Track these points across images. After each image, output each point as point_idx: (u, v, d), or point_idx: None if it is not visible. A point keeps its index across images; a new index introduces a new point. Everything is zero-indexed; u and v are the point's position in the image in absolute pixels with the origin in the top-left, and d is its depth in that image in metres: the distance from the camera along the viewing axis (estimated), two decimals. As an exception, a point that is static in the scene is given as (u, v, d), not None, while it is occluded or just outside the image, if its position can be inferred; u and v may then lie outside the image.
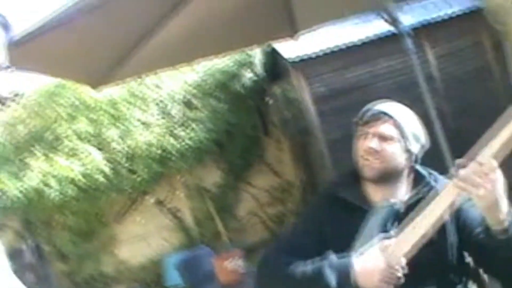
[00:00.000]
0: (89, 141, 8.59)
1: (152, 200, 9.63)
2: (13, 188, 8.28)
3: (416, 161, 2.32)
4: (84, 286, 9.33)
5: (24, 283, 8.82)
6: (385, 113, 2.23)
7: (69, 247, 9.29)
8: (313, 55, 7.68)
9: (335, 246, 2.20)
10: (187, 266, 4.96)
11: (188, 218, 9.80)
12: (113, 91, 8.26)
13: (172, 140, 8.74)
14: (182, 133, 8.79)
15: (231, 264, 4.04)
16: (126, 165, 8.69)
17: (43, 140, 8.57)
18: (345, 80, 7.67)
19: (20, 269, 8.92)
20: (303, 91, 7.79)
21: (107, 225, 9.42)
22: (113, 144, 8.58)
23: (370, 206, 2.26)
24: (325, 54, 7.67)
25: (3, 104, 9.02)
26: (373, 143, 2.21)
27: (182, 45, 4.75)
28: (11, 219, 9.07)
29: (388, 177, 2.24)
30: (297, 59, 7.66)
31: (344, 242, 2.20)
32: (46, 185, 8.24)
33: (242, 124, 9.20)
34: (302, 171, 9.46)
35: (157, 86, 8.87)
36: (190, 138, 8.76)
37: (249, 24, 4.79)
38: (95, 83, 4.85)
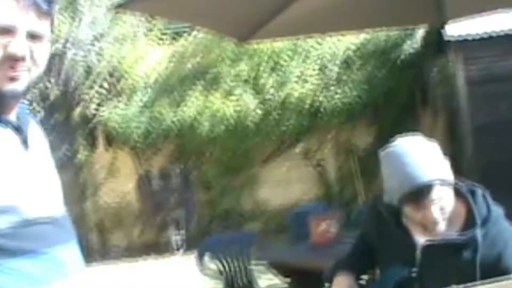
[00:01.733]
0: (246, 84, 9.04)
1: (299, 150, 10.02)
2: (170, 117, 8.94)
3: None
4: (222, 217, 9.94)
5: (171, 204, 9.63)
6: (430, 183, 2.20)
7: (214, 178, 9.93)
8: (474, 37, 7.59)
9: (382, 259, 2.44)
10: (297, 218, 5.26)
11: (331, 173, 10.11)
12: (276, 42, 8.58)
13: (324, 97, 8.99)
14: (335, 92, 9.01)
15: (324, 227, 4.26)
16: (277, 113, 9.07)
17: (204, 77, 9.13)
18: (502, 67, 7.53)
19: (165, 191, 9.72)
20: (458, 72, 7.76)
21: (252, 165, 9.94)
22: (268, 92, 8.99)
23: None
24: (486, 38, 7.56)
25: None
26: (435, 213, 2.22)
27: (325, 16, 4.96)
28: (165, 144, 9.80)
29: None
30: (457, 39, 7.61)
31: (388, 256, 2.40)
32: (200, 119, 8.83)
33: (398, 92, 9.27)
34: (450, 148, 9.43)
35: (319, 43, 9.11)
36: (342, 98, 8.98)
37: (395, 6, 4.89)
38: (240, 37, 5.22)
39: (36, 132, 1.70)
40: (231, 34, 5.37)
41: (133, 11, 6.24)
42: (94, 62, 9.53)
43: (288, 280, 4.60)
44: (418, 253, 2.32)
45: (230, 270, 5.24)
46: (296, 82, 9.01)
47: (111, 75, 9.63)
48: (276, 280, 5.14)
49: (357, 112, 9.23)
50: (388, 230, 2.42)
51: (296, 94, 8.93)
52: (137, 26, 9.45)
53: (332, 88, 9.05)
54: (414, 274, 2.32)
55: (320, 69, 9.12)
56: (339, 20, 5.22)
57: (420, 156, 2.25)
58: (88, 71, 9.58)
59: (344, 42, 9.10)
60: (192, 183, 9.99)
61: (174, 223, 9.69)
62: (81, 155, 10.09)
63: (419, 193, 2.19)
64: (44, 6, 1.59)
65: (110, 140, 10.07)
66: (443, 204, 2.22)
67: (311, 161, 10.03)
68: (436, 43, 8.69)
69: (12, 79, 1.53)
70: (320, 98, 8.95)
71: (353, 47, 9.13)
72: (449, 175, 2.25)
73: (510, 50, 7.51)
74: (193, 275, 7.23)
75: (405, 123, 9.61)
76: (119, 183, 10.17)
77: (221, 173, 9.86)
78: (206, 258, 5.38)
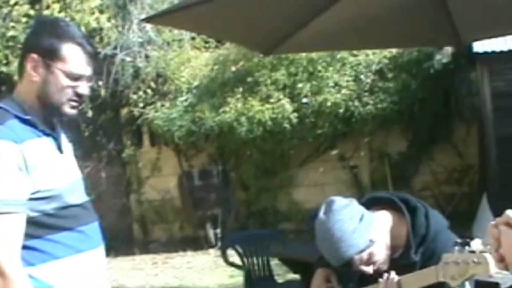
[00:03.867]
0: (283, 90, 9.49)
1: (334, 154, 10.42)
2: (210, 119, 9.45)
3: None
4: (258, 216, 10.39)
5: (210, 201, 10.09)
6: (348, 260, 2.48)
7: (252, 179, 10.41)
8: (501, 51, 7.86)
9: None
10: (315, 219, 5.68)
11: (365, 177, 10.46)
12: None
13: (358, 104, 9.37)
14: (369, 99, 9.38)
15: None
16: (312, 118, 9.48)
17: (244, 82, 9.61)
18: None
19: (205, 189, 10.19)
20: (484, 84, 8.04)
21: (288, 167, 10.36)
22: (304, 97, 9.43)
23: None
24: (512, 53, 7.81)
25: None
26: (369, 270, 2.52)
27: (342, 34, 5.35)
28: (206, 145, 10.31)
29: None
30: (483, 52, 7.89)
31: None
32: (238, 122, 9.30)
33: (431, 101, 9.55)
34: (481, 158, 9.69)
35: (355, 55, 9.50)
36: (375, 105, 9.32)
37: (408, 27, 5.24)
38: (265, 51, 5.66)
39: (65, 141, 2.38)
40: (255, 48, 5.81)
41: (161, 25, 6.70)
42: (142, 66, 10.11)
43: (297, 276, 5.02)
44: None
45: (250, 263, 5.71)
46: (331, 89, 9.39)
47: (157, 78, 10.20)
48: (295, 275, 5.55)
49: (391, 119, 9.55)
50: None
51: (331, 100, 9.31)
52: (184, 32, 9.95)
53: (364, 96, 9.41)
54: None
55: (355, 78, 9.50)
56: (360, 38, 5.61)
57: (339, 233, 2.49)
58: (136, 74, 10.17)
59: (379, 53, 9.46)
60: (230, 183, 10.46)
61: (212, 220, 10.16)
62: (127, 152, 10.69)
63: (347, 266, 2.52)
64: (95, 60, 2.37)
65: (155, 139, 10.64)
66: (375, 258, 2.53)
67: (346, 165, 10.40)
68: (466, 56, 8.99)
69: (73, 107, 2.31)
70: (353, 106, 9.31)
71: (387, 58, 9.48)
72: (369, 235, 2.51)
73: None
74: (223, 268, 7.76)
75: (439, 132, 9.95)
76: (162, 179, 10.74)
77: (258, 174, 10.31)
78: (230, 251, 5.87)
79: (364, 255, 2.50)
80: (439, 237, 2.61)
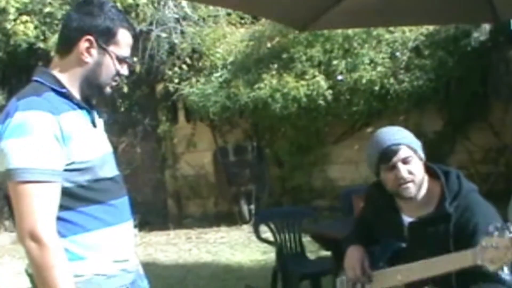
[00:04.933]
0: (318, 67, 9.44)
1: (369, 131, 10.35)
2: (245, 95, 9.45)
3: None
4: (292, 193, 10.39)
5: (244, 177, 10.13)
6: (394, 143, 2.71)
7: (286, 155, 10.40)
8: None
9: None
10: (346, 197, 5.67)
11: (400, 156, 10.37)
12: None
13: (394, 81, 9.28)
14: (405, 77, 9.29)
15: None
16: (347, 95, 9.43)
17: (280, 58, 9.58)
18: None
19: (239, 165, 10.23)
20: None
21: (324, 144, 10.34)
22: (339, 75, 9.37)
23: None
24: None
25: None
26: (403, 173, 2.69)
27: (377, 10, 5.31)
28: (241, 121, 10.33)
29: (419, 190, 2.75)
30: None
31: (383, 233, 2.90)
32: (273, 98, 9.29)
33: (468, 79, 9.41)
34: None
35: (391, 32, 9.40)
36: (410, 82, 9.23)
37: (446, 3, 5.18)
38: (300, 27, 5.64)
39: (97, 116, 2.41)
40: (291, 24, 5.80)
41: (197, 2, 6.67)
42: (177, 42, 10.14)
43: (328, 253, 5.04)
44: (405, 229, 2.79)
45: (283, 240, 5.73)
46: (367, 66, 9.31)
47: (192, 53, 10.22)
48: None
49: (427, 97, 9.44)
50: (383, 212, 2.90)
51: (367, 77, 9.24)
52: (219, 8, 9.94)
53: (400, 73, 9.32)
54: (404, 246, 2.79)
55: (391, 55, 9.40)
56: (395, 14, 5.56)
57: (393, 131, 2.80)
58: (171, 50, 10.20)
59: (415, 30, 9.34)
60: (265, 159, 10.47)
61: (246, 196, 10.20)
62: (163, 127, 10.76)
63: (388, 154, 2.71)
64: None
65: (190, 115, 10.68)
66: (411, 167, 2.71)
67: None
68: (505, 35, 8.83)
69: (112, 87, 2.41)
70: (388, 83, 9.22)
71: (423, 35, 9.36)
72: (419, 150, 2.76)
73: None
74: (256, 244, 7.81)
75: (475, 110, 9.81)
76: (197, 155, 10.81)
77: (293, 150, 10.28)
78: (263, 227, 5.90)
79: (410, 154, 2.71)
80: (471, 195, 2.74)
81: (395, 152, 2.69)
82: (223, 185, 10.39)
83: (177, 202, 11.00)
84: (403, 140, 2.72)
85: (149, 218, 10.13)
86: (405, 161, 2.70)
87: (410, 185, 2.71)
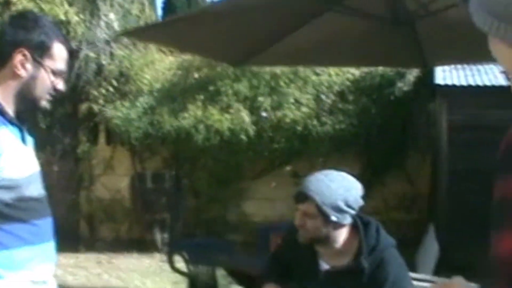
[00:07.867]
0: (243, 102, 9.54)
1: (288, 170, 10.47)
2: (168, 123, 9.45)
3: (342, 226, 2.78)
4: (206, 224, 10.36)
5: (160, 205, 10.05)
6: (306, 194, 2.70)
7: (204, 187, 10.40)
8: (462, 85, 8.02)
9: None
10: (262, 233, 5.75)
11: (317, 196, 10.51)
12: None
13: (316, 123, 9.45)
14: (328, 120, 9.48)
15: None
16: (270, 132, 9.54)
17: (206, 90, 9.64)
18: (484, 118, 7.92)
19: (156, 192, 10.16)
20: (442, 116, 8.20)
21: (242, 179, 10.37)
22: (263, 111, 9.49)
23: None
24: (473, 88, 7.98)
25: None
26: (297, 221, 2.75)
27: (308, 51, 5.46)
28: (162, 149, 10.29)
29: (317, 243, 2.80)
30: (444, 84, 8.05)
31: (299, 276, 2.90)
32: (196, 129, 9.32)
33: (388, 128, 9.66)
34: (432, 189, 9.84)
35: (317, 74, 9.61)
36: (333, 126, 9.42)
37: (377, 48, 5.37)
38: (235, 63, 5.74)
39: (28, 134, 2.37)
40: (225, 60, 5.90)
41: (137, 40, 6.70)
42: (105, 63, 10.06)
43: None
44: (321, 276, 2.83)
45: (196, 271, 5.72)
46: (292, 105, 9.47)
47: (119, 76, 10.16)
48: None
49: (347, 141, 9.64)
50: (302, 253, 2.90)
51: (290, 116, 9.39)
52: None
53: (323, 116, 9.50)
54: None
55: (316, 97, 9.59)
56: (326, 55, 5.72)
57: (320, 180, 2.74)
58: (99, 70, 10.11)
59: (342, 75, 9.58)
60: (182, 189, 10.44)
61: (160, 224, 10.13)
62: (82, 148, 10.60)
63: (297, 197, 2.74)
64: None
65: (111, 138, 10.57)
66: (308, 222, 2.72)
67: (298, 182, 10.42)
68: (427, 87, 9.15)
69: (48, 101, 2.36)
70: (311, 125, 9.39)
71: (349, 80, 9.61)
72: (331, 212, 2.70)
73: (495, 103, 7.92)
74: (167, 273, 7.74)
75: (394, 158, 10.06)
76: (114, 179, 10.67)
77: (211, 182, 10.30)
78: (176, 257, 5.88)
79: (313, 212, 2.68)
80: (388, 251, 2.78)
81: (301, 201, 2.73)
82: (138, 211, 10.30)
83: (89, 225, 10.80)
84: (315, 196, 2.68)
85: (60, 238, 9.88)
86: (305, 213, 2.73)
87: (301, 232, 2.77)
